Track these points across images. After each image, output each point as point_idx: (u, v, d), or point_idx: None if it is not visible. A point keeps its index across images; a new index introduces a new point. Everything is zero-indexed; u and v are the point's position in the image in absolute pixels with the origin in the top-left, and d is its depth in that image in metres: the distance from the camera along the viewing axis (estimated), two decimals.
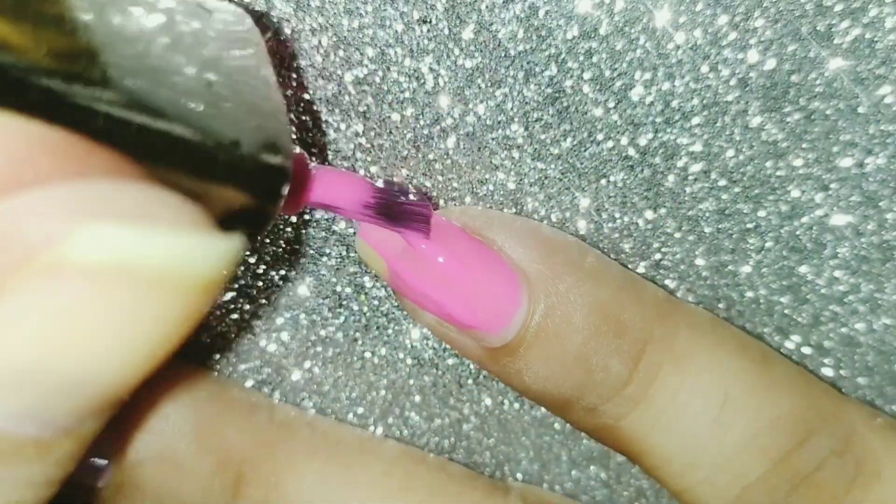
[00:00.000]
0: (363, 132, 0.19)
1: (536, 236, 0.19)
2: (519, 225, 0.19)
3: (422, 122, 0.19)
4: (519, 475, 0.23)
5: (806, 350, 0.21)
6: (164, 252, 0.10)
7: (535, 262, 0.19)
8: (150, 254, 0.10)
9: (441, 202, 0.20)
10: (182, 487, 0.20)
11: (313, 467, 0.21)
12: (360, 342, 0.22)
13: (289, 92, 0.19)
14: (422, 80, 0.19)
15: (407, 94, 0.19)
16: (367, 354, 0.22)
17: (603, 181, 0.20)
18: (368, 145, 0.20)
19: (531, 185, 0.20)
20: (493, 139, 0.19)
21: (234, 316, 0.22)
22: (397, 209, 0.18)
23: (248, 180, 0.13)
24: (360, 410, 0.23)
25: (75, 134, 0.11)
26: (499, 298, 0.18)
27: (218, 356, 0.22)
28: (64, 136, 0.10)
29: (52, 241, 0.10)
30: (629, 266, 0.21)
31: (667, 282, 0.21)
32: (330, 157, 0.20)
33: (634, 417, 0.19)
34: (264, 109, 0.14)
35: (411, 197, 0.18)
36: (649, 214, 0.20)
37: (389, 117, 0.19)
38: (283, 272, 0.21)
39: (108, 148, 0.11)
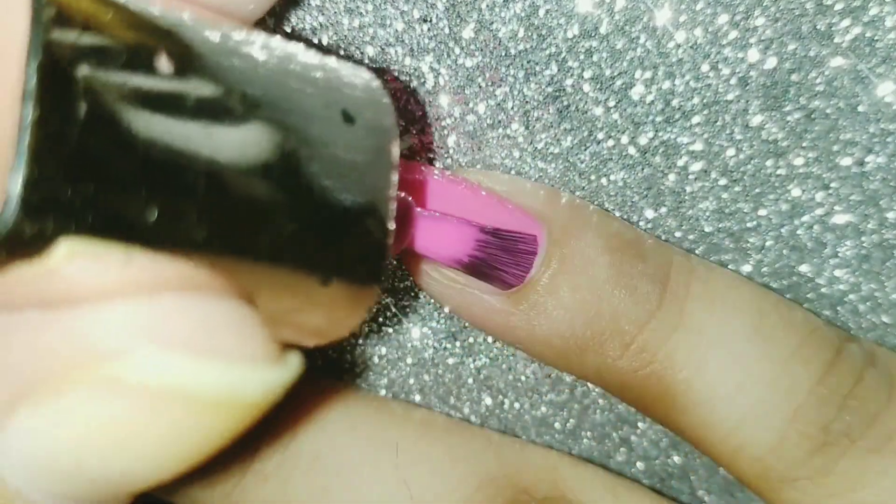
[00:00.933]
0: None
1: (540, 187, 0.20)
2: (523, 180, 0.20)
3: (422, 122, 0.19)
4: None
5: None
6: (218, 381, 0.11)
7: (545, 204, 0.19)
8: (203, 381, 0.11)
9: None
10: None
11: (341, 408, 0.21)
12: (360, 341, 0.22)
13: None
14: (422, 80, 0.19)
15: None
16: (368, 354, 0.22)
17: (603, 180, 0.20)
18: None
19: None
20: (493, 138, 0.19)
21: None
22: (491, 269, 0.18)
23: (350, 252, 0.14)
24: None
25: (167, 251, 0.11)
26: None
27: None
28: (154, 255, 0.11)
29: (114, 356, 0.11)
30: None
31: None
32: None
33: (674, 343, 0.18)
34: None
35: (511, 255, 0.18)
36: (650, 213, 0.20)
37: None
38: None
39: (199, 261, 0.12)
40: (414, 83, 0.19)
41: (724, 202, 0.20)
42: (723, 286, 0.19)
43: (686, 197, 0.20)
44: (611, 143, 0.19)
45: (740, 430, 0.18)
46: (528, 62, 0.18)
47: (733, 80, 0.18)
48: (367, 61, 0.19)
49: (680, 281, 0.19)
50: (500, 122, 0.19)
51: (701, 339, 0.18)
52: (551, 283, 0.18)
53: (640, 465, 0.23)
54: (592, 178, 0.20)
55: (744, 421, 0.18)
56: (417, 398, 0.23)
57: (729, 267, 0.20)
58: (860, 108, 0.18)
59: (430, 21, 0.18)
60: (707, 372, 0.18)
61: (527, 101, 0.19)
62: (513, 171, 0.20)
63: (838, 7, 0.17)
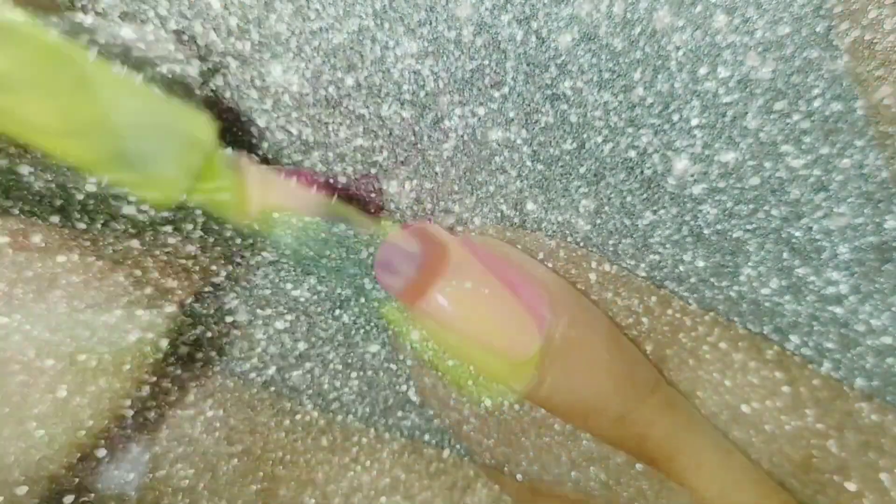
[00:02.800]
0: (364, 133, 0.19)
1: (544, 267, 0.20)
2: (529, 258, 0.20)
3: (422, 124, 0.19)
4: (519, 476, 0.23)
5: (805, 350, 0.21)
6: None
7: (552, 278, 0.19)
8: None
9: (442, 204, 0.20)
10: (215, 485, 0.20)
11: (337, 461, 0.21)
12: (360, 343, 0.22)
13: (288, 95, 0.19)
14: (422, 83, 0.19)
15: (407, 97, 0.19)
16: (367, 356, 0.22)
17: (602, 182, 0.20)
18: (369, 146, 0.20)
19: (531, 187, 0.20)
20: (493, 141, 0.19)
21: (236, 318, 0.22)
22: None
23: None
24: (361, 411, 0.23)
25: None
26: (526, 312, 0.18)
27: (221, 357, 0.22)
28: None
29: None
30: (629, 267, 0.21)
31: (667, 282, 0.21)
32: (331, 158, 0.20)
33: (666, 421, 0.19)
34: None
35: None
36: (648, 215, 0.20)
37: (390, 119, 0.19)
38: (283, 274, 0.21)
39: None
40: (414, 86, 0.19)
41: (724, 204, 0.20)
42: (717, 363, 0.20)
43: (685, 199, 0.20)
44: (610, 145, 0.19)
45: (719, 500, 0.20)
46: (528, 65, 0.18)
47: (732, 83, 0.18)
48: (367, 64, 0.19)
49: (676, 360, 0.19)
50: (499, 124, 0.19)
51: (694, 415, 0.20)
52: (552, 365, 0.19)
53: (638, 465, 0.23)
54: (592, 180, 0.20)
55: (722, 493, 0.20)
56: (417, 399, 0.23)
57: (728, 269, 0.20)
58: (858, 111, 0.18)
59: (431, 24, 0.18)
60: (696, 444, 0.20)
61: (526, 104, 0.19)
62: (512, 174, 0.20)
63: (837, 10, 0.18)
